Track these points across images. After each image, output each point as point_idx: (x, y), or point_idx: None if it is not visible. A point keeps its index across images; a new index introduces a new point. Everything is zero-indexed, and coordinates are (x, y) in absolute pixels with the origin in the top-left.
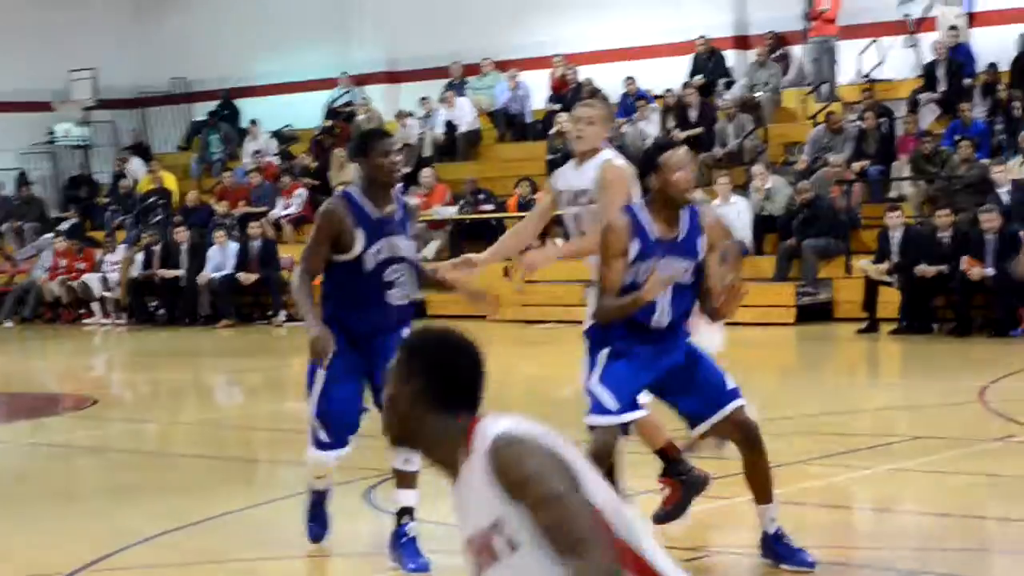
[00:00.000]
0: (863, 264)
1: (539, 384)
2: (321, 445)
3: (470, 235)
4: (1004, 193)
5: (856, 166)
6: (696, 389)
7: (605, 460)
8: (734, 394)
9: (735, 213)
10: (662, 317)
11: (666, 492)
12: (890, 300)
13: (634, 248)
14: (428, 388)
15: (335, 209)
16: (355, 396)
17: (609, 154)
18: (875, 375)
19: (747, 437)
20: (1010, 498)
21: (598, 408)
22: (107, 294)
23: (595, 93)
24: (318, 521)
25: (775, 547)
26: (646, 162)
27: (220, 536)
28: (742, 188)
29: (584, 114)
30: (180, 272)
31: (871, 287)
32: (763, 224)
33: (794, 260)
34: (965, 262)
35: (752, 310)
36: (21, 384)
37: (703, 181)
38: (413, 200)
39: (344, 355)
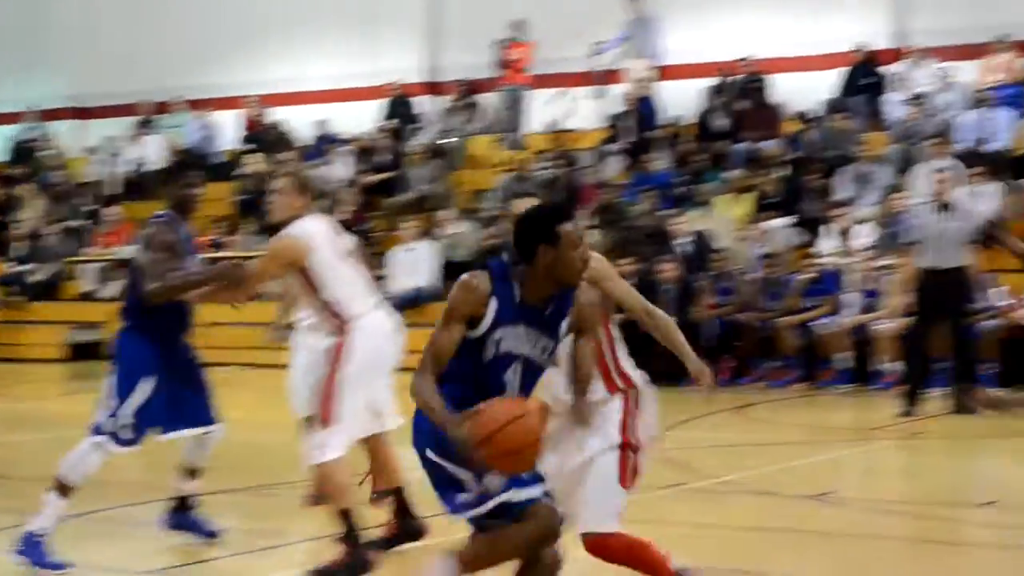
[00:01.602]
0: None
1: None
2: None
3: None
4: (686, 243)
5: None
6: None
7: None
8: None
9: (419, 258)
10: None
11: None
12: None
13: (491, 314)
14: None
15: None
16: None
17: (296, 225)
18: None
19: None
20: (679, 545)
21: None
22: None
23: (282, 136)
24: None
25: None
26: (538, 228)
27: None
28: (430, 233)
29: (273, 185)
30: None
31: None
32: (455, 269)
33: None
34: None
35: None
36: None
37: (390, 226)
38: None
39: None
